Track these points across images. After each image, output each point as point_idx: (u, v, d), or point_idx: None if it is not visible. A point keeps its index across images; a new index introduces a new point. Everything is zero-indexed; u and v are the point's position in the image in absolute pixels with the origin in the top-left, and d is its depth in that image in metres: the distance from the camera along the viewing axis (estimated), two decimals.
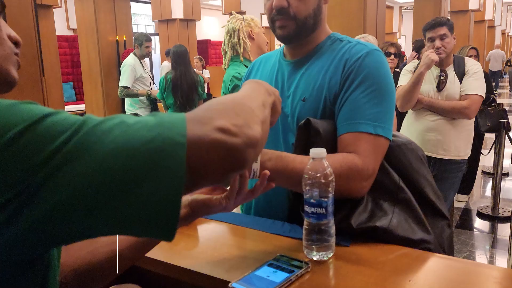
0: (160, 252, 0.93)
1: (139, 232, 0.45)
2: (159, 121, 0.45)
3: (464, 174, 4.25)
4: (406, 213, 0.99)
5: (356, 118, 1.01)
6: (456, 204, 4.07)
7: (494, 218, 3.85)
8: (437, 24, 2.49)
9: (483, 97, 2.49)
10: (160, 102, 4.32)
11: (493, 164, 4.25)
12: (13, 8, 2.60)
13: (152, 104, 4.48)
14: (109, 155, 0.41)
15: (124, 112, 5.06)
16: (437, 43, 2.47)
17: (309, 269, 0.83)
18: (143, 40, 4.48)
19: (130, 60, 4.45)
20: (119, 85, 4.40)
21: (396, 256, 0.91)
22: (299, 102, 1.10)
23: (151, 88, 4.55)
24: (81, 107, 7.54)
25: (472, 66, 2.50)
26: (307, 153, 0.98)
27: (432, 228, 1.01)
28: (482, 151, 4.35)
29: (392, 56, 3.26)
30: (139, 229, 0.45)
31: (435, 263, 0.91)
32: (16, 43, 0.63)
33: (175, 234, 0.45)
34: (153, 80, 4.76)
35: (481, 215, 3.95)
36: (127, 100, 4.50)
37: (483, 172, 5.32)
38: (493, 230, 3.72)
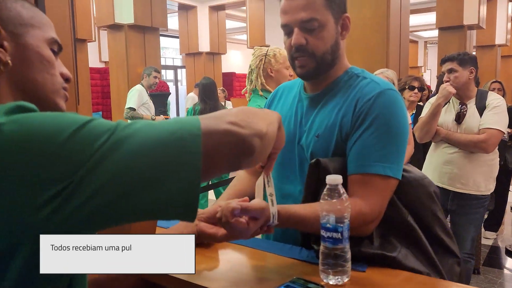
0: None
1: (164, 211, 0.53)
2: (177, 120, 0.56)
3: (492, 210, 4.17)
4: (414, 250, 1.02)
5: (366, 159, 1.04)
6: (483, 241, 3.95)
7: None
8: (445, 59, 2.60)
9: (503, 132, 2.47)
10: None
11: None
12: None
13: None
14: (141, 146, 0.51)
15: None
16: (445, 77, 2.57)
17: None
18: (152, 71, 4.80)
19: (138, 86, 4.76)
20: (126, 106, 4.62)
21: (412, 284, 0.93)
22: (313, 138, 1.13)
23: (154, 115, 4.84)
24: None
25: (493, 100, 2.50)
26: (317, 191, 1.03)
27: (441, 266, 1.02)
28: (511, 187, 4.25)
29: (416, 90, 3.29)
30: (165, 209, 0.53)
31: None
32: (67, 79, 0.73)
33: (196, 212, 0.53)
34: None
35: (510, 253, 3.81)
36: None
37: None
38: None
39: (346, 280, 0.90)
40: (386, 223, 1.05)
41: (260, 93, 2.46)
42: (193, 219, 0.54)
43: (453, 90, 2.47)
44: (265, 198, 0.93)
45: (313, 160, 1.06)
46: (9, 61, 0.64)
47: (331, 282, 0.89)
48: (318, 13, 1.09)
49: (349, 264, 0.90)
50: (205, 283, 0.92)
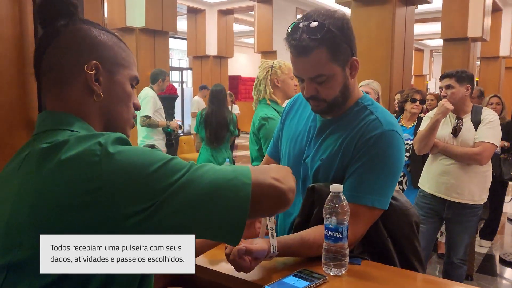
0: (205, 260, 1.14)
1: (217, 236, 0.70)
2: (234, 169, 0.71)
3: (487, 220, 4.31)
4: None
5: (358, 191, 1.16)
6: (478, 250, 4.09)
7: None
8: (444, 75, 2.77)
9: (496, 145, 2.63)
10: (171, 132, 4.65)
11: None
12: None
13: (168, 135, 4.69)
14: (206, 185, 0.67)
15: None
16: (443, 92, 2.74)
17: (326, 281, 1.02)
18: (166, 76, 4.81)
19: (150, 92, 4.68)
20: (141, 115, 4.55)
21: (401, 277, 1.10)
22: (318, 161, 1.26)
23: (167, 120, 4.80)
24: None
25: (488, 115, 2.66)
26: (311, 213, 1.20)
27: None
28: (506, 198, 4.40)
29: (418, 103, 3.44)
30: (217, 234, 0.70)
31: (434, 285, 1.07)
32: (136, 109, 0.86)
33: (240, 240, 0.69)
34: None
35: (504, 262, 3.95)
36: (143, 132, 4.64)
37: (508, 219, 5.30)
38: None
39: (344, 272, 1.06)
40: (365, 242, 1.21)
41: (268, 102, 2.59)
42: (236, 244, 0.71)
43: (451, 107, 2.63)
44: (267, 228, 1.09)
45: (310, 185, 1.21)
46: (101, 94, 0.77)
47: (331, 273, 1.05)
48: (324, 68, 1.16)
49: (346, 259, 1.06)
50: (224, 270, 1.08)
